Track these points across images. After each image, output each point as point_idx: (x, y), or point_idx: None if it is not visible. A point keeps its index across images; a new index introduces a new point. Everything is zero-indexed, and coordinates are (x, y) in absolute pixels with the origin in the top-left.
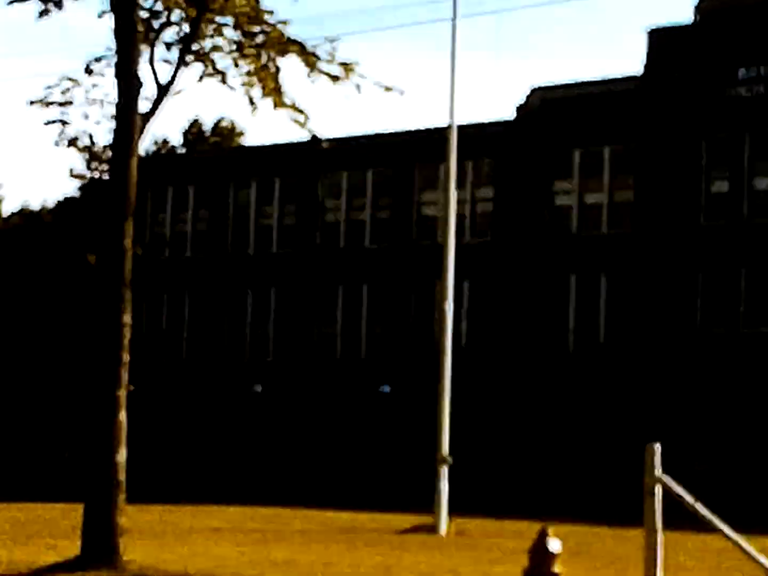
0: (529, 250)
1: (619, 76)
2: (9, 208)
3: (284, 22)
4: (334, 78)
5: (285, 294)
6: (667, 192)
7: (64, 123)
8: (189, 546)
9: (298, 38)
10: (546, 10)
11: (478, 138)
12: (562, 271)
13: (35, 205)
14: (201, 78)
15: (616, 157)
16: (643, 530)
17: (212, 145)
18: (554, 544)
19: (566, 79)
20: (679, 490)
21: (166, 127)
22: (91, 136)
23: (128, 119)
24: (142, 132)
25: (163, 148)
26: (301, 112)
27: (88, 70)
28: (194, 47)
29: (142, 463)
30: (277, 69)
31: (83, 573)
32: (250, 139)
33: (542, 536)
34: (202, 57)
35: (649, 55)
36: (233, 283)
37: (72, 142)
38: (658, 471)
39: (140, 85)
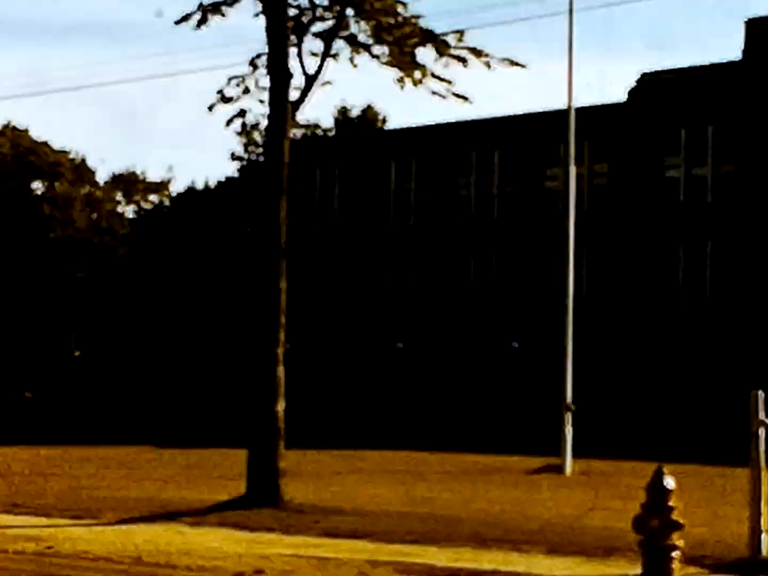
0: (641, 218)
1: (721, 62)
2: (177, 187)
3: (418, 16)
4: (463, 60)
5: (424, 264)
6: (765, 166)
7: (243, 113)
8: (342, 486)
9: (431, 28)
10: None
11: (594, 119)
12: (671, 236)
13: (200, 185)
14: (352, 59)
15: (719, 135)
16: (747, 469)
17: (360, 129)
18: (669, 481)
19: (672, 65)
20: None
21: (317, 113)
22: (257, 124)
23: (280, 107)
24: (293, 118)
25: (314, 131)
26: (442, 80)
27: (253, 64)
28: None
29: (298, 413)
30: (413, 53)
31: (250, 510)
32: (392, 124)
33: (658, 474)
34: (349, 40)
35: (746, 42)
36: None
37: (243, 128)
38: (761, 415)
39: (290, 76)
